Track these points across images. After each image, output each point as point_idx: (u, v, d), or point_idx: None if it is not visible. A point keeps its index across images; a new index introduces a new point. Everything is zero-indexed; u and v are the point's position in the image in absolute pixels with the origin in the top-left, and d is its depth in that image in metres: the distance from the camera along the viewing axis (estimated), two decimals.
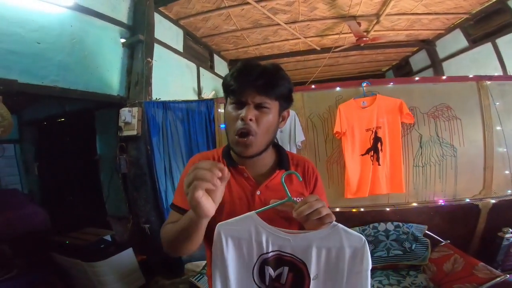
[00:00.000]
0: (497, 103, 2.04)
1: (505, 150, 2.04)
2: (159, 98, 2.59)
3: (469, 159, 2.04)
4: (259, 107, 0.72)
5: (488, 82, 2.03)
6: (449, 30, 3.89)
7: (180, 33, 3.58)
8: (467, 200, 2.04)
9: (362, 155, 1.94)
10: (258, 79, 0.70)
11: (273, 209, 0.70)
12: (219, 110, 2.21)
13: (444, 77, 2.08)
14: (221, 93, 3.94)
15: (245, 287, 0.67)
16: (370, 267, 0.62)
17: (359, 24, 3.33)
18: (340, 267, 0.63)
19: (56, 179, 3.48)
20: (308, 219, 0.62)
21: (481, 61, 3.74)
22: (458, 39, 3.95)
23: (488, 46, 3.53)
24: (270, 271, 0.67)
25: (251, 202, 0.77)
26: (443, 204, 2.03)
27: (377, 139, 1.91)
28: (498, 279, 1.42)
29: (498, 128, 2.05)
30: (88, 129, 3.09)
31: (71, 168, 3.36)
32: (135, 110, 2.45)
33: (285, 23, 3.45)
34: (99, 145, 3.09)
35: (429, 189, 2.04)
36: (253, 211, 0.67)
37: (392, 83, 2.03)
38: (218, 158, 0.84)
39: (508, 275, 1.45)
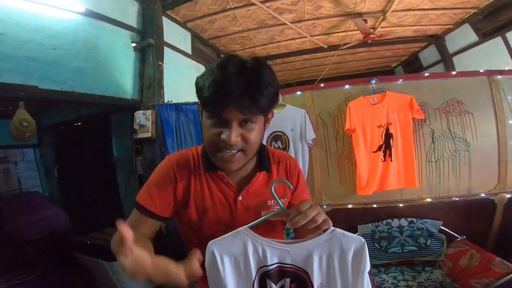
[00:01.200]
0: (509, 97, 2.01)
1: None
2: (171, 101, 2.67)
3: (483, 154, 2.02)
4: (244, 122, 0.64)
5: (499, 77, 2.01)
6: (458, 25, 3.85)
7: (188, 35, 3.65)
8: (482, 195, 2.02)
9: (374, 152, 1.96)
10: (242, 97, 0.59)
11: (253, 214, 0.70)
12: None
13: (454, 73, 2.08)
14: None
15: None
16: (368, 268, 0.61)
17: (365, 21, 3.34)
18: (344, 272, 0.61)
19: (75, 181, 3.61)
20: (301, 230, 0.60)
21: (492, 55, 3.69)
22: (467, 34, 3.91)
23: (498, 40, 3.50)
24: (271, 285, 0.64)
25: (233, 208, 0.74)
26: (457, 199, 2.02)
27: (388, 135, 1.92)
28: None
29: (511, 121, 2.04)
30: (104, 133, 3.20)
31: (89, 171, 3.48)
32: (149, 112, 2.53)
33: (291, 22, 3.48)
34: (115, 147, 3.19)
35: (443, 184, 2.04)
36: (245, 226, 0.63)
37: (401, 80, 2.04)
38: (197, 159, 0.77)
39: None
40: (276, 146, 2.12)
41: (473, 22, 3.70)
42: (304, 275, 0.63)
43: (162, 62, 2.74)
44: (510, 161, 2.02)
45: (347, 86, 2.06)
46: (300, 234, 0.72)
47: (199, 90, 0.64)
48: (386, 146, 1.94)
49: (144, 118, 2.52)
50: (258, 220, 0.64)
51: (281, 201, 0.65)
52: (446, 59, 4.58)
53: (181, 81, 3.34)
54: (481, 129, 2.03)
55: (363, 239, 0.61)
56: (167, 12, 3.13)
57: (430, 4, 3.19)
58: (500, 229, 1.99)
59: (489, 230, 2.03)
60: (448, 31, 4.11)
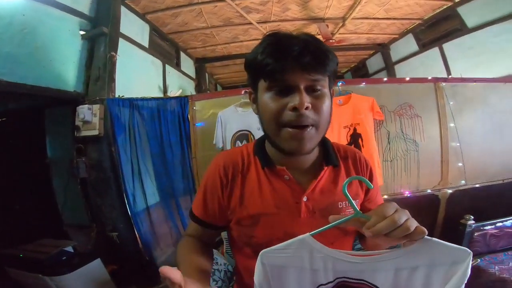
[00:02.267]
0: (451, 103, 2.26)
1: (458, 144, 2.28)
2: (122, 96, 2.38)
3: (429, 153, 2.24)
4: (311, 90, 0.56)
5: (444, 84, 2.25)
6: (403, 34, 4.26)
7: (146, 28, 3.36)
8: (429, 190, 2.23)
9: None
10: (305, 53, 0.53)
11: (320, 218, 0.59)
12: (194, 108, 2.10)
13: (407, 78, 2.25)
14: (188, 92, 3.80)
15: None
16: (463, 286, 0.46)
17: (327, 26, 3.47)
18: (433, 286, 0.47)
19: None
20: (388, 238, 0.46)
21: (428, 64, 4.12)
22: (409, 44, 4.33)
23: (435, 50, 3.91)
24: None
25: (295, 211, 0.62)
26: (409, 195, 2.20)
27: (357, 135, 2.00)
28: (474, 263, 1.57)
29: (452, 125, 2.28)
30: (36, 130, 2.72)
31: (16, 174, 2.93)
32: (96, 107, 2.22)
33: (257, 23, 3.44)
34: (50, 147, 2.75)
35: (397, 182, 2.20)
36: (307, 234, 0.50)
37: (364, 83, 2.14)
38: (248, 156, 0.69)
39: (478, 260, 1.62)
40: None
41: (416, 32, 4.11)
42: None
43: (116, 53, 2.43)
44: (450, 160, 2.27)
45: None
46: (371, 245, 0.61)
47: (252, 61, 0.58)
48: (356, 146, 2.01)
49: (89, 114, 2.19)
50: (326, 226, 0.51)
51: (356, 202, 0.56)
52: (389, 67, 5.00)
53: (135, 75, 3.04)
54: (428, 131, 2.24)
55: (468, 251, 0.45)
56: (126, 1, 2.84)
57: (384, 14, 3.45)
58: (444, 222, 2.23)
59: (435, 223, 2.26)
60: (394, 40, 4.52)
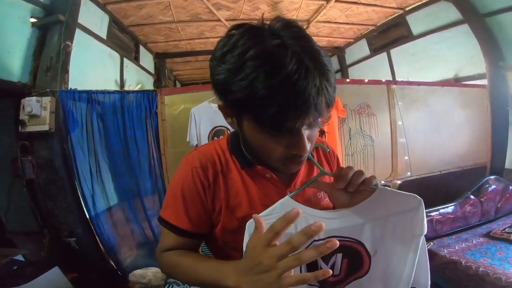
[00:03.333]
0: (400, 103, 2.55)
1: (405, 140, 2.58)
2: (75, 88, 2.17)
3: (382, 148, 2.50)
4: (310, 125, 0.50)
5: (394, 86, 2.52)
6: (358, 39, 4.59)
7: (105, 18, 3.10)
8: (382, 182, 2.49)
9: None
10: (319, 101, 0.44)
11: (305, 200, 0.62)
12: (163, 102, 2.01)
13: (366, 80, 2.47)
14: (147, 87, 3.61)
15: None
16: (425, 231, 0.54)
17: None
18: (398, 235, 0.54)
19: None
20: (352, 188, 0.53)
21: (376, 68, 4.52)
22: (362, 48, 4.70)
23: (384, 55, 4.30)
24: (321, 263, 0.55)
25: None
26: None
27: (321, 132, 2.12)
28: (427, 246, 1.75)
29: (400, 123, 2.57)
30: None
31: None
32: (46, 100, 1.98)
33: (226, 20, 3.40)
34: None
35: None
36: (287, 196, 0.54)
37: None
38: (223, 154, 0.65)
39: (431, 243, 1.84)
40: None
41: (369, 38, 4.46)
42: (358, 246, 0.55)
43: (72, 42, 2.20)
44: (399, 154, 2.56)
45: None
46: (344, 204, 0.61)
47: (249, 103, 0.45)
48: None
49: (38, 107, 1.94)
50: (302, 187, 0.58)
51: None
52: (343, 70, 5.33)
53: (90, 68, 2.79)
54: (381, 128, 2.49)
55: (418, 197, 0.53)
56: None
57: (345, 19, 3.67)
58: None
59: None
60: (349, 44, 4.85)
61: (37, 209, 2.13)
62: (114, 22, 3.27)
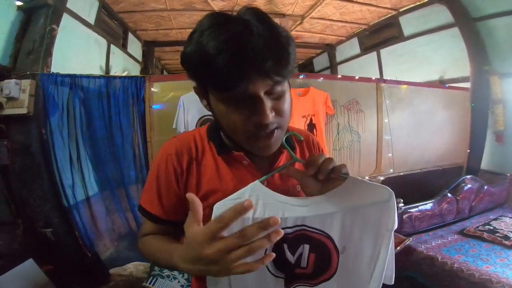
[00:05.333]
0: (387, 101, 2.60)
1: (390, 137, 2.65)
2: (57, 72, 2.06)
3: (368, 144, 2.55)
4: (271, 93, 0.50)
5: (383, 84, 2.57)
6: (349, 37, 4.63)
7: (95, 4, 2.98)
8: (366, 178, 2.54)
9: None
10: (271, 58, 0.44)
11: (274, 183, 0.60)
12: (152, 89, 1.94)
13: (356, 77, 2.50)
14: (134, 74, 3.47)
15: (257, 279, 0.54)
16: (396, 226, 0.52)
17: (288, 22, 3.57)
18: (368, 229, 0.53)
19: None
20: (322, 175, 0.53)
21: (366, 67, 4.59)
22: (353, 47, 4.76)
23: (373, 54, 4.38)
24: (287, 254, 0.54)
25: None
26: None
27: (312, 125, 2.14)
28: (406, 241, 1.81)
29: (386, 120, 2.63)
30: None
31: None
32: (26, 82, 1.87)
33: (220, 11, 3.31)
34: None
35: None
36: (256, 180, 0.52)
37: (322, 78, 2.31)
38: (202, 142, 0.64)
39: (411, 238, 1.90)
40: None
41: (360, 37, 4.51)
42: (327, 241, 0.53)
43: (58, 27, 2.09)
44: (383, 151, 2.63)
45: None
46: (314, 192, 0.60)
47: (199, 63, 0.46)
48: None
49: (17, 89, 1.83)
50: (272, 172, 0.56)
51: None
52: (333, 67, 5.40)
53: (74, 52, 2.67)
54: (368, 125, 2.54)
55: (390, 190, 0.51)
56: None
57: (339, 16, 3.69)
58: None
59: None
60: (341, 42, 4.90)
61: (11, 198, 2.01)
62: (104, 8, 3.15)
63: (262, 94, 0.48)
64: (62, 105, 1.97)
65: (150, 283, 1.65)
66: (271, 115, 0.49)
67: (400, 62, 3.94)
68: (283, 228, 0.49)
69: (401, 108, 2.73)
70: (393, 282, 0.57)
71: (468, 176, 2.62)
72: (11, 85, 1.79)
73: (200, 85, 0.53)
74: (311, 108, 2.14)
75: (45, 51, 2.01)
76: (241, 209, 0.41)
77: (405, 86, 2.72)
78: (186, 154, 0.61)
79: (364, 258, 0.55)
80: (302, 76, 2.17)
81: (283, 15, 3.53)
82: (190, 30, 0.50)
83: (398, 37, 3.86)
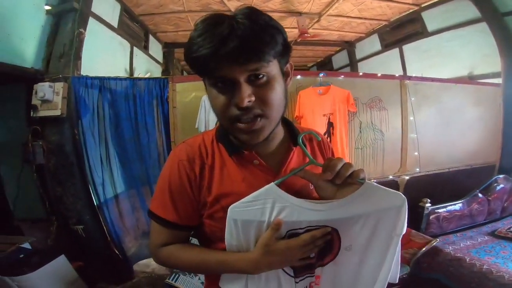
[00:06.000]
0: (412, 99, 2.51)
1: (416, 135, 2.55)
2: (86, 75, 2.17)
3: (391, 143, 2.47)
4: (253, 79, 0.51)
5: (408, 81, 2.48)
6: (369, 34, 4.52)
7: (117, 7, 3.10)
8: (390, 177, 2.47)
9: None
10: (238, 40, 0.47)
11: (287, 181, 0.58)
12: (175, 90, 2.01)
13: (379, 74, 2.44)
14: (155, 76, 3.57)
15: (269, 276, 0.57)
16: (404, 231, 0.54)
17: (305, 20, 3.55)
18: (378, 233, 0.54)
19: None
20: (339, 180, 0.53)
21: (387, 64, 4.46)
22: (374, 43, 4.64)
23: (395, 51, 4.24)
24: None
25: None
26: (374, 181, 2.41)
27: (329, 124, 2.12)
28: (432, 242, 1.76)
29: (411, 118, 2.54)
30: None
31: None
32: (59, 85, 1.99)
33: None
34: None
35: (366, 168, 2.36)
36: (272, 183, 0.54)
37: (342, 76, 2.27)
38: (211, 145, 0.64)
39: (437, 239, 1.84)
40: None
41: (381, 33, 4.39)
42: (333, 237, 0.56)
43: (85, 30, 2.22)
44: (408, 149, 2.53)
45: (299, 77, 2.16)
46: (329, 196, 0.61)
47: (189, 54, 0.51)
48: (328, 135, 2.13)
49: (51, 92, 1.95)
50: (288, 174, 0.57)
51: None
52: (353, 64, 5.28)
53: (101, 56, 2.80)
54: (392, 123, 2.46)
55: (403, 196, 0.53)
56: None
57: (357, 13, 3.62)
58: None
59: None
60: (360, 39, 4.79)
61: (46, 196, 2.14)
62: (125, 10, 3.27)
63: (241, 79, 0.50)
64: (93, 106, 2.07)
65: (172, 280, 1.70)
66: (248, 99, 0.50)
67: (425, 58, 3.79)
68: (295, 229, 0.55)
69: (428, 105, 2.62)
70: (397, 281, 0.59)
71: (501, 176, 2.50)
72: (45, 88, 1.91)
73: (202, 77, 0.57)
74: (331, 107, 2.11)
75: (74, 54, 2.12)
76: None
77: (432, 82, 2.61)
78: (198, 159, 0.62)
79: (371, 260, 0.57)
80: (322, 75, 2.14)
81: (299, 14, 3.51)
82: None
83: (421, 32, 3.73)
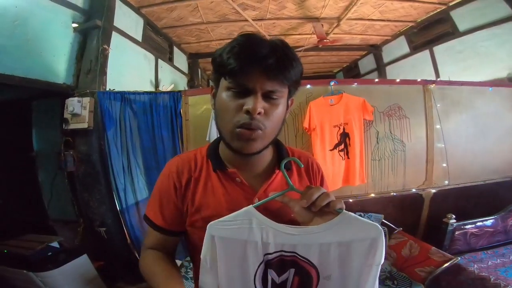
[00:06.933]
0: (438, 105, 2.32)
1: (443, 145, 2.35)
2: (113, 89, 2.35)
3: (415, 154, 2.29)
4: (268, 96, 0.57)
5: (432, 86, 2.30)
6: (395, 36, 4.32)
7: (140, 21, 3.33)
8: (413, 190, 2.30)
9: (331, 150, 2.04)
10: (269, 58, 0.54)
11: (274, 219, 0.60)
12: (187, 103, 2.09)
13: (397, 80, 2.29)
14: (181, 87, 3.77)
15: None
16: (382, 261, 0.55)
17: (322, 26, 3.49)
18: (353, 263, 0.55)
19: None
20: (315, 208, 0.55)
21: (418, 67, 4.20)
22: (401, 46, 4.40)
23: (426, 53, 3.99)
24: (273, 275, 0.58)
25: None
26: (394, 194, 2.26)
27: (345, 135, 2.03)
28: (452, 261, 1.62)
29: (438, 126, 2.34)
30: (22, 122, 2.64)
31: (0, 167, 2.84)
32: (86, 100, 2.18)
33: (253, 20, 3.44)
34: (37, 140, 2.69)
35: (384, 180, 2.25)
36: (250, 205, 0.57)
37: (356, 84, 2.17)
38: (201, 160, 0.70)
39: (458, 258, 1.68)
40: None
41: (408, 35, 4.17)
42: (309, 267, 0.57)
43: (109, 46, 2.41)
44: (435, 160, 2.34)
45: (308, 86, 2.10)
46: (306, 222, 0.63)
47: (217, 58, 0.58)
48: (344, 145, 2.05)
49: (79, 106, 2.15)
50: (267, 198, 0.60)
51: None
52: (380, 68, 5.07)
53: (127, 69, 3.01)
54: (415, 132, 2.29)
55: (379, 227, 0.54)
56: None
57: (379, 15, 3.49)
58: (428, 221, 2.30)
59: (418, 221, 2.33)
60: (386, 42, 4.58)
61: (75, 200, 2.35)
62: (148, 24, 3.49)
63: (260, 92, 0.56)
64: (115, 119, 2.24)
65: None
66: (260, 109, 0.55)
67: (459, 60, 3.50)
68: (267, 254, 0.56)
69: (458, 112, 2.40)
70: None
71: None
72: (74, 103, 2.11)
73: (215, 77, 0.62)
74: (344, 116, 2.03)
75: (100, 70, 2.32)
76: None
77: (461, 86, 2.39)
78: (186, 172, 0.68)
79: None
80: (333, 83, 2.07)
81: (317, 19, 3.46)
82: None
83: (452, 32, 3.47)
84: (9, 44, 1.84)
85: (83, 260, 1.96)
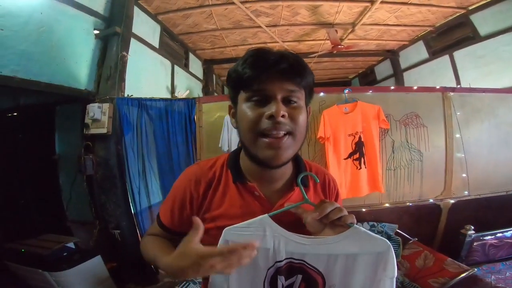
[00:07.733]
0: (458, 113, 2.24)
1: (463, 155, 2.26)
2: (131, 95, 2.43)
3: (433, 163, 2.22)
4: (287, 101, 0.58)
5: (452, 93, 2.23)
6: (413, 41, 4.21)
7: (157, 28, 3.43)
8: (431, 200, 2.22)
9: (345, 159, 2.02)
10: (282, 63, 0.56)
11: (286, 222, 0.62)
12: (201, 110, 2.13)
13: (415, 87, 2.24)
14: (195, 93, 3.84)
15: None
16: (395, 274, 0.56)
17: (336, 32, 3.47)
18: (359, 275, 0.57)
19: (5, 180, 3.06)
20: (327, 220, 0.57)
21: (438, 72, 4.08)
22: (419, 51, 4.29)
23: (445, 58, 3.87)
24: (282, 280, 0.60)
25: None
26: (410, 204, 2.20)
27: (360, 144, 2.00)
28: (467, 272, 1.57)
29: (458, 135, 2.26)
30: (46, 126, 2.77)
31: (24, 169, 2.99)
32: (105, 106, 2.26)
33: (266, 26, 3.46)
34: (59, 143, 2.80)
35: (399, 190, 2.19)
36: (266, 214, 0.59)
37: (371, 91, 2.13)
38: (221, 169, 0.69)
39: (475, 269, 1.62)
40: None
41: (426, 40, 4.06)
42: (316, 275, 0.59)
43: (127, 53, 2.50)
44: (454, 170, 2.25)
45: (321, 94, 2.08)
46: (317, 233, 0.64)
47: (232, 73, 0.61)
48: (360, 154, 2.01)
49: (99, 112, 2.23)
50: (281, 209, 0.62)
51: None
52: (398, 74, 4.95)
53: (144, 75, 3.10)
54: (433, 141, 2.22)
55: (388, 242, 0.56)
56: (139, 1, 2.92)
57: (395, 20, 3.42)
58: (445, 231, 2.21)
59: (435, 232, 2.25)
60: (404, 47, 4.48)
61: (93, 202, 2.43)
62: (165, 31, 3.59)
63: (279, 96, 0.57)
64: (133, 124, 2.31)
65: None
66: (283, 112, 0.56)
67: (480, 65, 3.37)
68: (277, 262, 0.59)
69: (480, 120, 2.31)
70: None
71: None
72: (94, 109, 2.20)
73: (233, 95, 0.63)
74: (359, 125, 2.00)
75: (119, 76, 2.40)
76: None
77: (483, 93, 2.29)
78: (204, 182, 0.68)
79: None
80: (347, 91, 2.04)
81: (331, 25, 3.44)
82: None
83: (473, 37, 3.35)
84: (35, 50, 1.92)
85: (97, 261, 2.01)
